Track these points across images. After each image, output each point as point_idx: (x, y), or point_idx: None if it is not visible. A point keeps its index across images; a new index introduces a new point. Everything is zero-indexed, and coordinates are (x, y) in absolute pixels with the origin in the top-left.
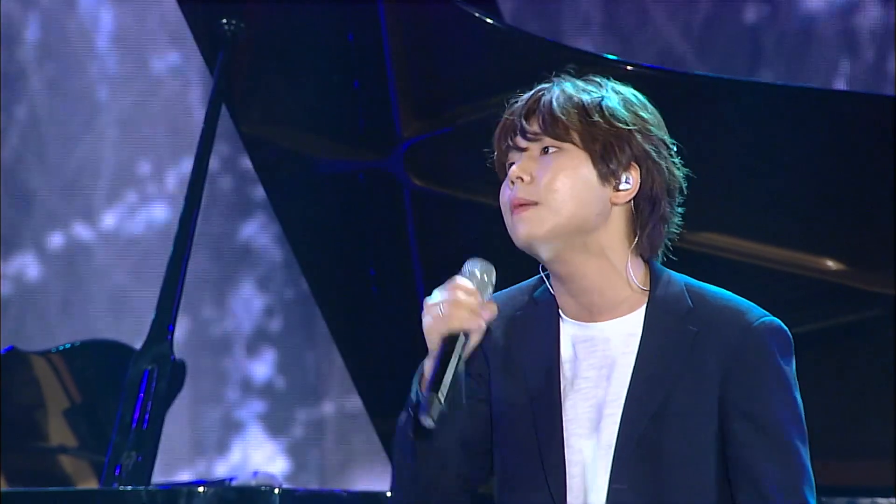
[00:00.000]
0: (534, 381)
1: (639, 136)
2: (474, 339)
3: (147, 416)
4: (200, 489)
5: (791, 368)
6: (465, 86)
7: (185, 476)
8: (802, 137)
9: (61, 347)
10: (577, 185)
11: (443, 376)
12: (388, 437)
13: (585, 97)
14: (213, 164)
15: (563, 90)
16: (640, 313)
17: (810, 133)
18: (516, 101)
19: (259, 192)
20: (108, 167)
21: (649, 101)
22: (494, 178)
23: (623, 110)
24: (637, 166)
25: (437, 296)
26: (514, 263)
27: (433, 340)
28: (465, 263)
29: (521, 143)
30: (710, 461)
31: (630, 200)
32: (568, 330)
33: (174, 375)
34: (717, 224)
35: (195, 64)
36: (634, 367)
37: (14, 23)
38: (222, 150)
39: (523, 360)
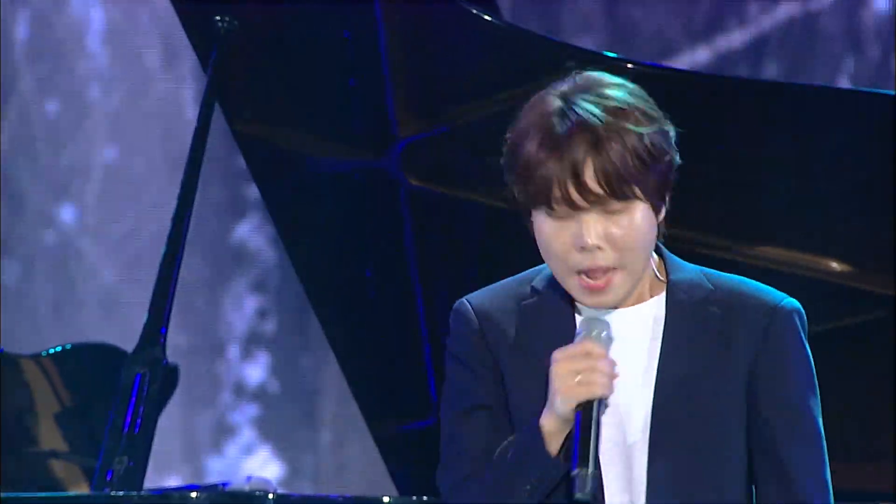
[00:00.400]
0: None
1: (675, 158)
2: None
3: (139, 421)
4: (193, 494)
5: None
6: (462, 84)
7: (177, 481)
8: (805, 137)
9: (52, 350)
10: (647, 236)
11: (588, 447)
12: (384, 441)
13: (635, 141)
14: (207, 163)
15: (608, 136)
16: (660, 298)
17: (812, 132)
18: (545, 134)
19: (253, 193)
20: (99, 167)
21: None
22: (493, 178)
23: (662, 138)
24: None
25: (570, 362)
26: (513, 264)
27: (569, 409)
28: (590, 323)
29: (581, 203)
30: (738, 442)
31: None
32: (587, 318)
33: (167, 379)
34: (718, 225)
35: (188, 62)
36: (661, 351)
37: (4, 21)
38: (216, 149)
39: (540, 353)
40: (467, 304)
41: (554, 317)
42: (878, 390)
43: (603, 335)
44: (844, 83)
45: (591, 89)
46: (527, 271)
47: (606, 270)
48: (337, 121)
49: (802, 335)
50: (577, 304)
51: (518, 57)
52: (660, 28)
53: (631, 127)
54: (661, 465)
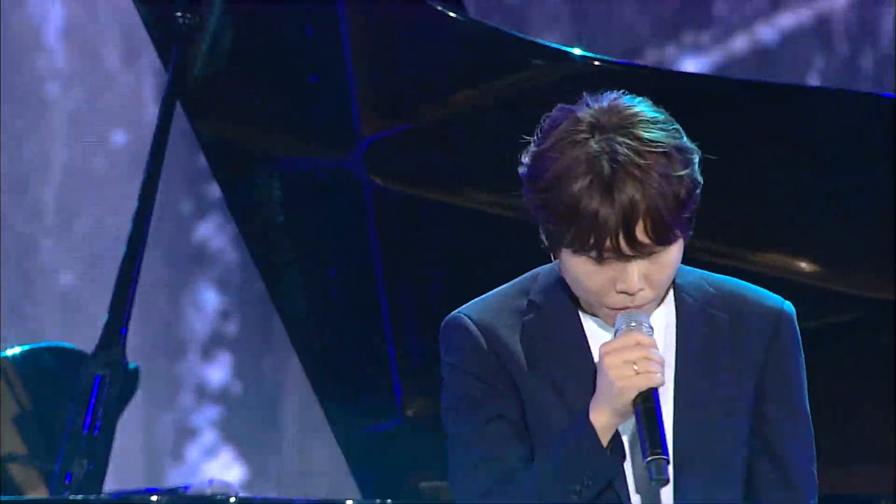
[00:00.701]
0: (569, 386)
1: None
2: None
3: (99, 423)
4: (154, 498)
5: None
6: (427, 82)
7: (137, 484)
8: (778, 136)
9: (9, 351)
10: (679, 263)
11: (657, 433)
12: (348, 443)
13: (676, 185)
14: (168, 161)
15: (654, 184)
16: (668, 304)
17: (787, 132)
18: (594, 178)
19: (215, 192)
20: (58, 165)
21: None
22: (458, 177)
23: (695, 173)
24: None
25: (623, 353)
26: (478, 264)
27: (628, 400)
28: (629, 316)
29: (629, 253)
30: (744, 443)
31: None
32: (596, 328)
33: (127, 381)
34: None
35: (149, 59)
36: (676, 360)
37: None
38: (177, 147)
39: (551, 366)
40: (467, 318)
41: (562, 332)
42: (877, 393)
43: (644, 326)
44: (814, 80)
45: (628, 128)
46: (518, 280)
47: (642, 305)
48: (300, 119)
49: (799, 337)
50: (581, 314)
51: (483, 54)
52: (628, 24)
53: (673, 173)
54: (686, 473)
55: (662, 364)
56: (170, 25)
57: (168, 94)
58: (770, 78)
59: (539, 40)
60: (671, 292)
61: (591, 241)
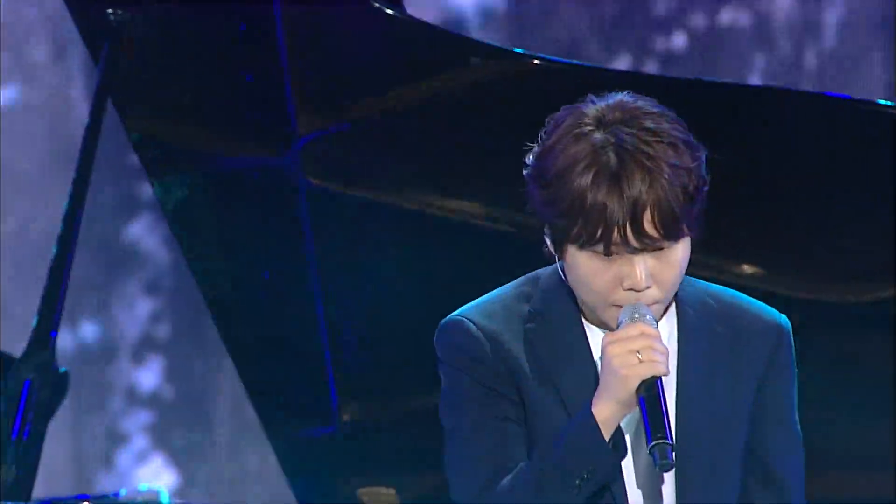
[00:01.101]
0: (572, 396)
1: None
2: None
3: (28, 428)
4: None
5: None
6: (364, 79)
7: (67, 491)
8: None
9: None
10: (686, 265)
11: (660, 419)
12: (283, 449)
13: (684, 177)
14: (98, 161)
15: (662, 175)
16: (670, 316)
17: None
18: (600, 170)
19: (146, 191)
20: None
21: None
22: (397, 176)
23: (703, 169)
24: None
25: (627, 343)
26: (415, 265)
27: (632, 388)
28: (633, 308)
29: (637, 246)
30: (741, 454)
31: None
32: (598, 337)
33: (56, 385)
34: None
35: (79, 56)
36: (678, 370)
37: None
38: (107, 146)
39: (555, 374)
40: (470, 323)
41: (566, 343)
42: (876, 397)
43: (648, 317)
44: (755, 80)
45: (634, 120)
46: (518, 283)
47: (648, 305)
48: (234, 117)
49: (794, 351)
50: (585, 324)
51: (420, 51)
52: (567, 22)
53: (680, 163)
54: (687, 482)
55: (667, 354)
56: (100, 21)
57: (98, 91)
58: (710, 76)
59: (477, 38)
60: (673, 305)
61: (599, 233)
